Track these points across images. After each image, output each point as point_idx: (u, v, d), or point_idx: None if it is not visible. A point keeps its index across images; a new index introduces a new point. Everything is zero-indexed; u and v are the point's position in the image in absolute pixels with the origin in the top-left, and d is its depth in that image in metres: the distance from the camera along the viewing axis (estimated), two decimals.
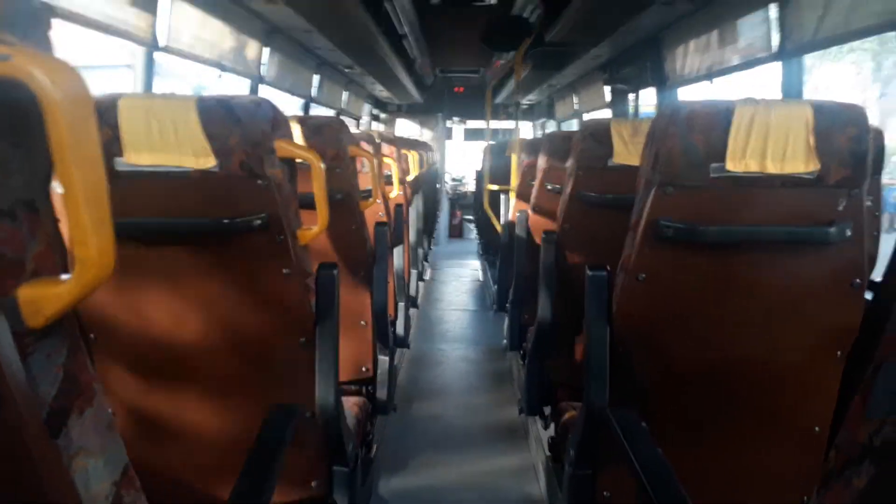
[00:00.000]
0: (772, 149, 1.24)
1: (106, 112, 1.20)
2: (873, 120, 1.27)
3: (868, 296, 1.32)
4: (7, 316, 0.49)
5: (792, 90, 2.59)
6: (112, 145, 1.21)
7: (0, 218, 0.50)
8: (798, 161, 1.24)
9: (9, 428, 0.49)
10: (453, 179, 10.70)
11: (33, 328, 0.51)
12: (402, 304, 3.34)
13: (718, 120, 1.24)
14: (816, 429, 1.39)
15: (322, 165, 1.41)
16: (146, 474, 1.45)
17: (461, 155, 11.36)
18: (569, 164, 2.25)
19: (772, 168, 1.24)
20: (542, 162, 2.92)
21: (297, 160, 1.39)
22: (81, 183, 0.51)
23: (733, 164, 1.24)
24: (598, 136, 2.12)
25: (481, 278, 6.67)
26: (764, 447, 1.44)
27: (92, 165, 0.51)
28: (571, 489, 1.54)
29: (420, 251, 5.31)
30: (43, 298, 0.51)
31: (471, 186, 9.81)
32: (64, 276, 0.53)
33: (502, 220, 4.76)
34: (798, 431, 1.40)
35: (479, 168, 7.81)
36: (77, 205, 0.50)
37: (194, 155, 1.22)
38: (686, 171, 1.27)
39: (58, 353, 0.55)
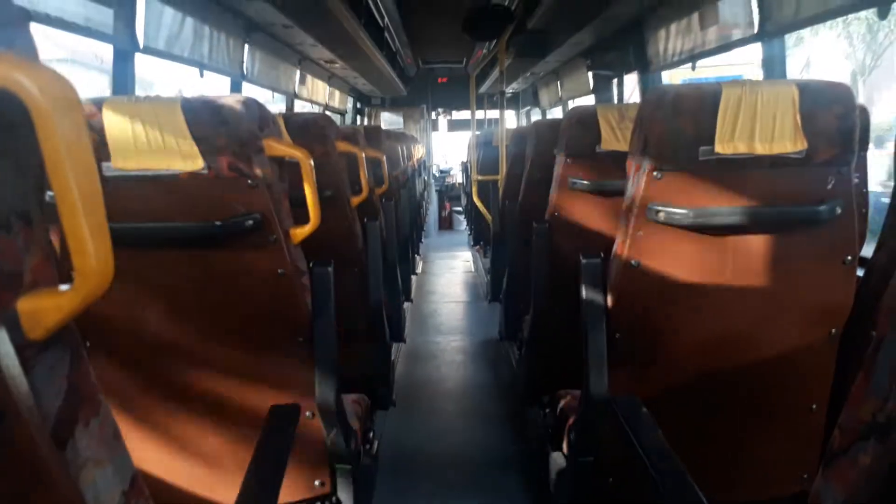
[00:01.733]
0: (760, 129, 1.24)
1: (90, 117, 1.18)
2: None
3: (859, 272, 1.33)
4: (7, 329, 0.48)
5: (774, 71, 2.60)
6: (99, 150, 1.19)
7: None
8: (786, 141, 1.24)
9: (15, 442, 0.49)
10: (441, 171, 10.68)
11: (34, 340, 0.51)
12: (395, 299, 3.34)
13: (706, 102, 1.25)
14: (813, 406, 1.40)
15: (311, 163, 1.40)
16: (150, 480, 1.45)
17: (447, 146, 11.35)
18: (557, 151, 2.26)
19: (760, 149, 1.25)
20: (529, 150, 2.92)
21: (286, 158, 1.38)
22: (77, 191, 0.50)
23: (722, 146, 1.25)
24: (585, 122, 2.12)
25: (473, 269, 6.68)
26: (762, 426, 1.45)
27: (86, 173, 0.51)
28: (574, 477, 1.55)
29: (411, 244, 5.30)
30: (43, 310, 0.50)
31: (459, 178, 9.80)
32: (63, 287, 0.52)
33: (492, 210, 4.76)
34: (795, 410, 1.42)
35: (465, 159, 7.79)
36: (74, 214, 0.50)
37: (182, 157, 1.21)
38: (675, 154, 1.27)
39: (61, 364, 0.54)
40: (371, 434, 2.13)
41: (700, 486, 1.00)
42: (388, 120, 10.11)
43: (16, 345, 0.49)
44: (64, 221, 0.50)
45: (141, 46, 2.59)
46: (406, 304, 4.14)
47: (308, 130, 2.05)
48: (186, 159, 1.21)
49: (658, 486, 1.02)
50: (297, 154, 1.35)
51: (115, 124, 1.19)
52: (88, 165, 0.51)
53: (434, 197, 9.75)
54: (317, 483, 1.50)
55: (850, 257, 1.30)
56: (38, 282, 0.52)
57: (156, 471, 1.41)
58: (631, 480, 1.48)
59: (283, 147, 1.31)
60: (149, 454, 1.40)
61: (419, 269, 6.46)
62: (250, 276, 1.31)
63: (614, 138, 2.08)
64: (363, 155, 2.49)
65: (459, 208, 9.51)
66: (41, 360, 0.52)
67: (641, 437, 1.14)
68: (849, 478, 0.55)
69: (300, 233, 1.38)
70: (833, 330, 1.34)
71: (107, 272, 0.52)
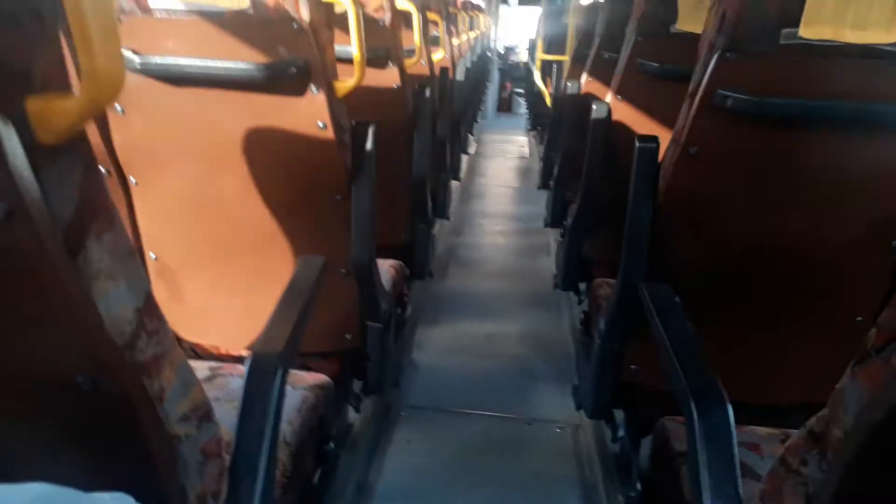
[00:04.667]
0: (853, 14, 1.11)
1: None
2: None
3: None
4: (16, 128, 0.47)
5: None
6: None
7: (2, 23, 0.47)
8: (881, 29, 1.11)
9: (25, 242, 0.49)
10: (506, 48, 10.20)
11: (45, 145, 0.50)
12: (442, 174, 3.30)
13: None
14: (859, 319, 1.34)
15: (360, 11, 1.33)
16: (182, 314, 1.51)
17: (517, 22, 10.78)
18: (628, 29, 2.10)
19: (850, 37, 1.12)
20: (599, 27, 2.73)
21: (336, 9, 1.32)
22: None
23: (807, 30, 1.12)
24: None
25: (528, 154, 6.54)
26: (801, 331, 1.40)
27: None
28: (599, 361, 1.56)
29: (465, 121, 5.17)
30: (52, 113, 0.49)
31: (524, 56, 9.37)
32: (75, 93, 0.51)
33: (554, 92, 4.56)
34: (841, 319, 1.35)
35: (532, 36, 7.40)
36: (80, 10, 0.47)
37: None
38: (753, 35, 1.15)
39: (72, 172, 0.54)
40: (405, 299, 2.17)
41: (726, 382, 0.98)
42: None
43: (25, 145, 0.48)
44: (70, 19, 0.47)
45: None
46: (454, 183, 4.10)
47: None
48: None
49: (679, 376, 1.01)
50: None
51: None
52: None
53: (496, 75, 9.39)
54: (347, 336, 1.54)
55: None
56: (48, 84, 0.50)
57: (189, 306, 1.47)
58: (655, 370, 1.48)
59: None
60: (184, 290, 1.45)
61: (472, 150, 6.36)
62: (290, 124, 1.29)
63: (693, 18, 1.91)
64: (420, 16, 2.37)
65: (521, 90, 9.17)
66: (51, 164, 0.51)
67: (668, 325, 1.11)
68: (878, 378, 0.52)
69: (344, 86, 1.34)
70: (893, 242, 1.26)
71: (116, 75, 0.49)
